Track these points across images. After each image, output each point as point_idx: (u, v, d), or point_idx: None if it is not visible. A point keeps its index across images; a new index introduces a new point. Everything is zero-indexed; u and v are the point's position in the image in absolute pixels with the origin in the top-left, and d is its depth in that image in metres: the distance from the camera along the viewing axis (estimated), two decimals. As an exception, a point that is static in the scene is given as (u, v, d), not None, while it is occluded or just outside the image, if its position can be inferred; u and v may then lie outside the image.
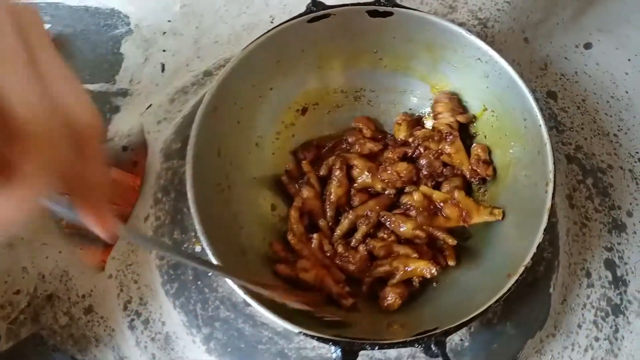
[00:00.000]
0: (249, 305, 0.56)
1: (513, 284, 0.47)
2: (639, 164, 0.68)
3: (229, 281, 0.47)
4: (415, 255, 0.55)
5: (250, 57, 0.58)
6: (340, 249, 0.57)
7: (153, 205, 0.64)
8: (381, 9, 0.59)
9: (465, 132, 0.63)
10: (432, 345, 0.45)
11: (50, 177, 0.25)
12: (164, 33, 0.83)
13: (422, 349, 0.45)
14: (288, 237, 0.57)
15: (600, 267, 0.62)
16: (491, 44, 0.72)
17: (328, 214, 0.60)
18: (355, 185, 0.61)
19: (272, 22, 0.83)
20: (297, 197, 0.60)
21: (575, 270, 0.62)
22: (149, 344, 0.59)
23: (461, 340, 0.56)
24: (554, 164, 0.51)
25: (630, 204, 0.66)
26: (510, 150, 0.58)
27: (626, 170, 0.68)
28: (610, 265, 0.62)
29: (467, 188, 0.61)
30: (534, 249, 0.48)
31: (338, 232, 0.59)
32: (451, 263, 0.56)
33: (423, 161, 0.61)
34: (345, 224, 0.59)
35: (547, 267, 0.60)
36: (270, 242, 0.58)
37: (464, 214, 0.57)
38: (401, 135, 0.64)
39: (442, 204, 0.58)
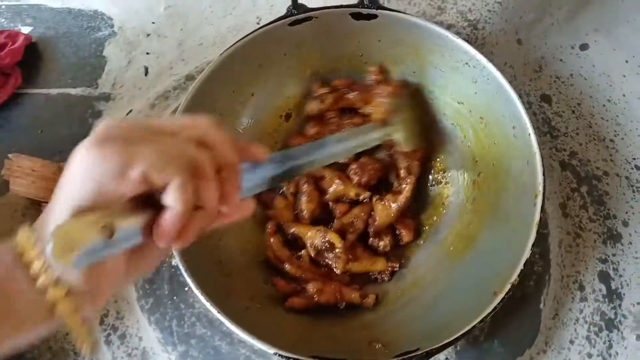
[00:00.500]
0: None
1: (499, 303, 0.45)
2: (636, 171, 0.65)
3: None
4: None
5: (229, 62, 0.57)
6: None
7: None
8: (365, 11, 0.57)
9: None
10: (414, 367, 0.43)
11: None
12: (148, 35, 0.81)
13: (403, 370, 0.43)
14: (286, 269, 0.56)
15: (594, 280, 0.59)
16: (481, 46, 0.70)
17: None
18: (327, 196, 0.59)
19: (258, 24, 0.80)
20: (269, 221, 0.59)
21: (568, 283, 0.59)
22: (126, 360, 0.58)
23: (447, 359, 0.54)
24: (544, 175, 0.49)
25: (627, 212, 0.63)
26: (499, 160, 0.56)
27: (622, 178, 0.65)
28: (604, 277, 0.60)
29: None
30: (520, 266, 0.46)
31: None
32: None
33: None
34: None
35: (538, 280, 0.58)
36: (272, 282, 0.56)
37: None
38: None
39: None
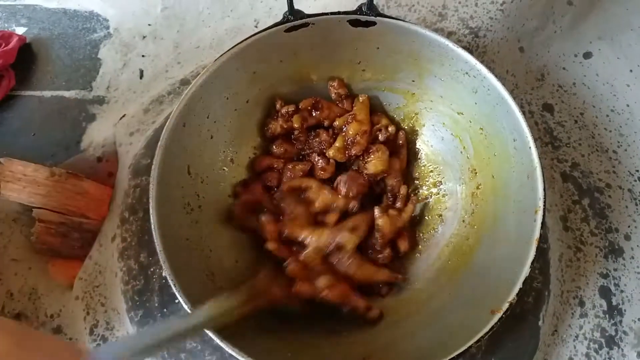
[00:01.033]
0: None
1: (496, 323, 0.44)
2: (639, 183, 0.64)
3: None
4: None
5: (224, 68, 0.55)
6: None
7: (120, 225, 0.61)
8: (363, 18, 0.55)
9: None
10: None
11: None
12: (144, 37, 0.80)
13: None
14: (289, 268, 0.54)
15: (594, 295, 0.58)
16: (483, 54, 0.69)
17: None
18: (314, 207, 0.57)
19: (256, 27, 0.79)
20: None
21: (568, 299, 0.58)
22: (116, 371, 0.56)
23: (442, 376, 0.53)
24: (544, 190, 0.48)
25: (629, 226, 0.62)
26: (499, 172, 0.54)
27: (625, 190, 0.64)
28: (605, 293, 0.58)
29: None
30: (519, 284, 0.44)
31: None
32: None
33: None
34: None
35: (537, 297, 0.56)
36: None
37: None
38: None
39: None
